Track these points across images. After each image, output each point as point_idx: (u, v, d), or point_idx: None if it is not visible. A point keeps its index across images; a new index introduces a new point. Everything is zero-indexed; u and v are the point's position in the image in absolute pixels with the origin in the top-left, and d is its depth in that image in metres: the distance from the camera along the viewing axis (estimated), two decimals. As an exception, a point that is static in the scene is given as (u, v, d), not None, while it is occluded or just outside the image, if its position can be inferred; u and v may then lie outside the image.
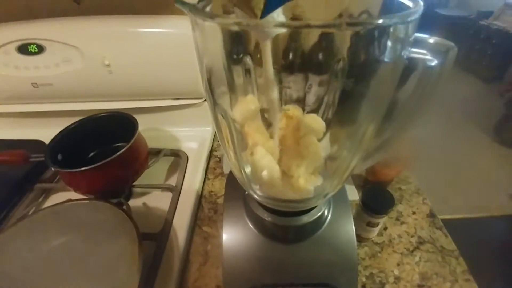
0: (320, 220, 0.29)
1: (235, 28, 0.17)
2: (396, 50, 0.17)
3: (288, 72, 0.29)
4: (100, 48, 0.50)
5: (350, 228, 0.29)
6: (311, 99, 0.29)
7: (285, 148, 0.24)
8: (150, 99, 0.59)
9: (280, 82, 0.28)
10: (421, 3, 0.16)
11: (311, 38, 0.39)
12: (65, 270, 0.36)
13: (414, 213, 0.47)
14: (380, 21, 0.13)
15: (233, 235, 0.28)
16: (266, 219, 0.27)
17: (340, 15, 0.31)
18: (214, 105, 0.23)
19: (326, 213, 0.30)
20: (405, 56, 0.18)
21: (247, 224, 0.28)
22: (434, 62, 0.18)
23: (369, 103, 0.23)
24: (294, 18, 0.38)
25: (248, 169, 0.25)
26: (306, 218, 0.27)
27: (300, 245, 0.27)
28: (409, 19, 0.15)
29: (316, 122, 0.27)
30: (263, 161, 0.23)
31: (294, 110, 0.27)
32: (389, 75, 0.20)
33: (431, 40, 0.17)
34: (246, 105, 0.25)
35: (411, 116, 0.25)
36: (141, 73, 0.53)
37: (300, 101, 0.29)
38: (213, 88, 0.23)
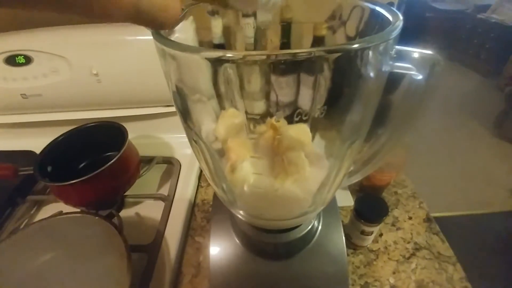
0: (310, 233, 0.28)
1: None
2: (376, 65, 0.16)
3: (279, 74, 0.28)
4: (87, 57, 0.50)
5: (340, 240, 0.28)
6: (305, 102, 0.28)
7: (269, 164, 0.24)
8: (140, 107, 0.58)
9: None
10: (401, 17, 0.15)
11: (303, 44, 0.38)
12: (54, 287, 0.35)
13: (410, 218, 0.47)
14: (356, 45, 0.13)
15: (221, 252, 0.27)
16: (253, 236, 0.26)
17: (333, 15, 0.30)
18: (187, 128, 0.22)
19: (316, 224, 0.29)
20: (387, 70, 0.17)
21: (234, 240, 0.28)
22: (419, 77, 0.17)
23: (355, 112, 0.22)
24: (283, 22, 0.37)
25: (228, 187, 0.24)
26: (295, 234, 0.26)
27: (290, 261, 0.27)
28: (389, 37, 0.14)
29: (302, 133, 0.26)
30: (245, 177, 0.23)
31: (280, 122, 0.26)
32: (372, 87, 0.19)
33: (416, 54, 0.17)
34: (230, 120, 0.24)
35: (401, 125, 0.24)
36: (130, 81, 0.52)
37: (291, 106, 0.29)
38: (183, 103, 0.21)
